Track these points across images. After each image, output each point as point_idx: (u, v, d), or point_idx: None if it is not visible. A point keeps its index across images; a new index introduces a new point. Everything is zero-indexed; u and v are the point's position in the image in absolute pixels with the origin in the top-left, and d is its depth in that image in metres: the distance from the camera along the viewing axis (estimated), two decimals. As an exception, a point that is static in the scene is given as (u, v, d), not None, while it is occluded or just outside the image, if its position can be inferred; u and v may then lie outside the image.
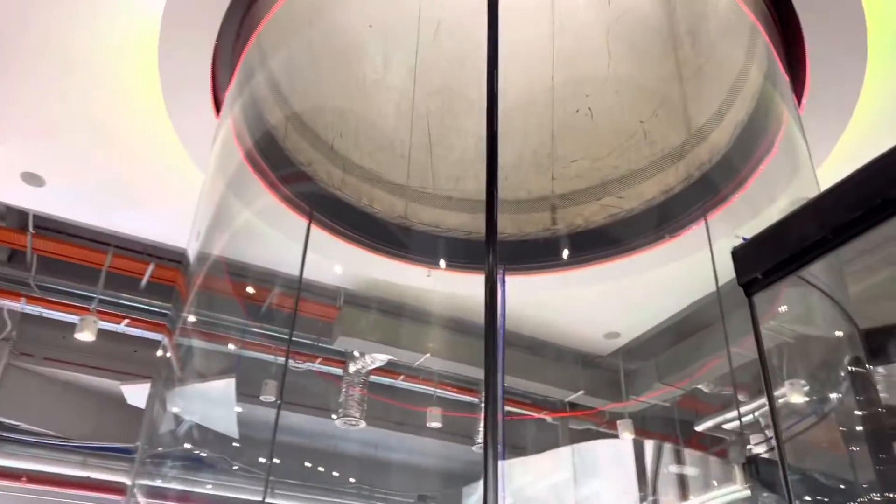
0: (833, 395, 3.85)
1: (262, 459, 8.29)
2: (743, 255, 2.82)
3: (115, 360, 8.39)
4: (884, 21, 4.51)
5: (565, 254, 6.77)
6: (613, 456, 10.17)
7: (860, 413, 3.72)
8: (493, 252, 3.01)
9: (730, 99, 5.82)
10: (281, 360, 7.86)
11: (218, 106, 5.40)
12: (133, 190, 6.52)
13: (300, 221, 6.06)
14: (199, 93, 5.31)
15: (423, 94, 6.62)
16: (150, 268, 7.55)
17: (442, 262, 6.88)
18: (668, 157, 6.45)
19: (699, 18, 6.02)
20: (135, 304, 7.84)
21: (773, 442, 3.05)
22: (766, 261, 2.71)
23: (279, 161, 5.89)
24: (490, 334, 2.91)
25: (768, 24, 4.70)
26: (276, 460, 8.44)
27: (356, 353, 8.23)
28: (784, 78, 4.63)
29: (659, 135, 6.54)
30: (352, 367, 8.33)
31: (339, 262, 7.05)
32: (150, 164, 6.21)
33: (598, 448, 9.94)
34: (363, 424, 8.40)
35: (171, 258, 7.79)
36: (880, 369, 4.26)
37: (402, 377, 9.03)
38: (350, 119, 6.82)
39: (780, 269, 2.69)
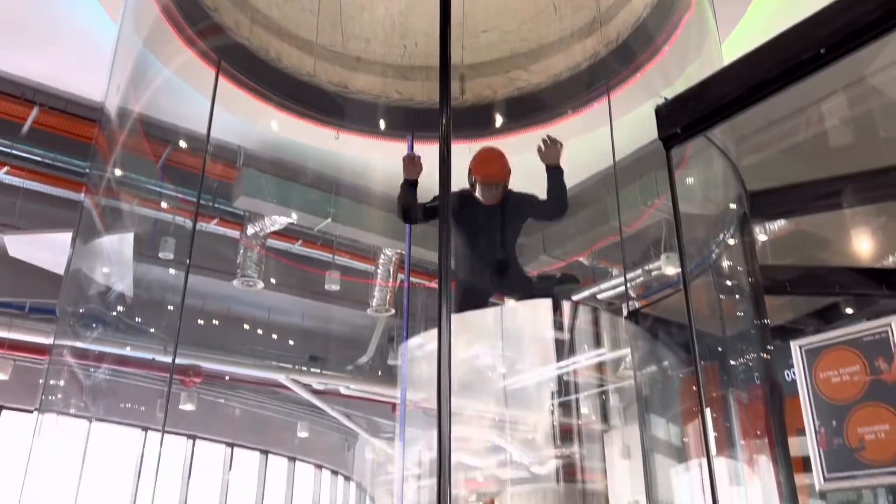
0: (714, 254, 4.36)
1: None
2: (665, 112, 3.11)
3: (-7, 212, 7.89)
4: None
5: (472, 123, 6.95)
6: (495, 323, 10.91)
7: (739, 269, 4.27)
8: (446, 120, 3.07)
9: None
10: (178, 219, 7.71)
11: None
12: (22, 24, 5.99)
13: (210, 73, 5.83)
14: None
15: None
16: (34, 112, 7.04)
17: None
18: (577, 34, 6.67)
19: None
20: (15, 152, 7.33)
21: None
22: (686, 117, 3.03)
23: (190, 11, 5.56)
24: (444, 204, 2.97)
25: None
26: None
27: (255, 215, 8.19)
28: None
29: (569, 10, 6.70)
30: (250, 229, 8.31)
31: (245, 117, 6.87)
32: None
33: (484, 315, 10.59)
34: (261, 285, 8.50)
35: (53, 105, 7.31)
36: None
37: (299, 242, 9.12)
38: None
39: (698, 125, 3.01)
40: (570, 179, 8.69)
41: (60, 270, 8.57)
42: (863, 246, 7.36)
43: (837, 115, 6.12)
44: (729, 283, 4.62)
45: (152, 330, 8.16)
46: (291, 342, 11.67)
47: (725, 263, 4.36)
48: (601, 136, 6.58)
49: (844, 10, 2.45)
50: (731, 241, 4.39)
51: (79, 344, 5.21)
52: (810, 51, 2.59)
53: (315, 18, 6.65)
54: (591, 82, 6.53)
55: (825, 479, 2.84)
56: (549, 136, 4.88)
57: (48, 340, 8.53)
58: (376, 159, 7.72)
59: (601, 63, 6.40)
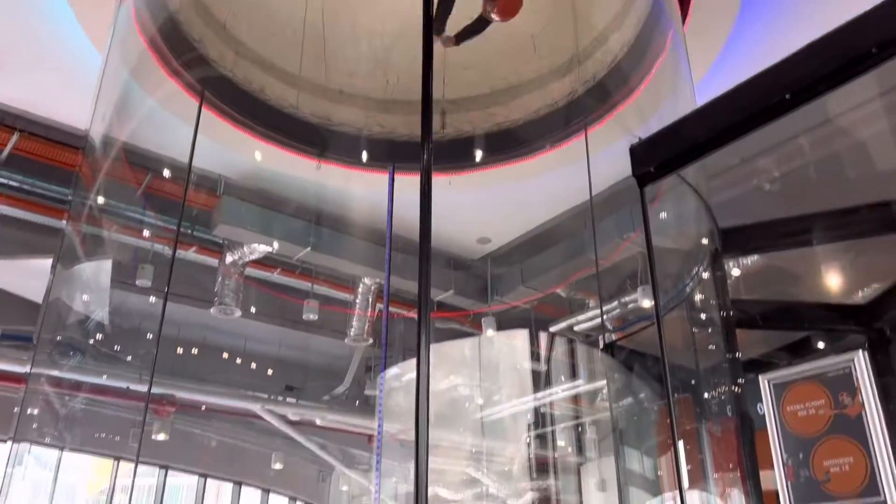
0: (687, 288, 4.47)
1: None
2: (639, 151, 3.24)
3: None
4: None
5: (452, 156, 7.09)
6: (473, 353, 10.97)
7: (712, 303, 4.37)
8: (427, 153, 3.15)
9: (617, 21, 6.25)
10: (158, 247, 7.69)
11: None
12: (4, 50, 6.03)
13: (194, 104, 5.90)
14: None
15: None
16: (14, 138, 7.03)
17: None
18: (555, 72, 6.85)
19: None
20: (-8, 179, 7.29)
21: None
22: (659, 156, 3.15)
23: (176, 43, 5.66)
24: (425, 235, 3.01)
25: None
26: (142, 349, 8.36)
27: (234, 243, 8.18)
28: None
29: (547, 49, 6.88)
30: (229, 258, 8.31)
31: (228, 146, 6.94)
32: (27, 23, 5.76)
33: (462, 346, 10.65)
34: (238, 314, 8.46)
35: (34, 131, 7.31)
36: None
37: (278, 271, 9.11)
38: (244, 1, 6.61)
39: (670, 163, 3.13)
40: (548, 213, 8.91)
41: (36, 297, 8.50)
42: (833, 281, 7.52)
43: (806, 154, 6.31)
44: (702, 316, 4.72)
45: (129, 358, 8.09)
46: (269, 371, 11.59)
47: (699, 297, 4.47)
48: (578, 171, 6.71)
49: (808, 59, 2.59)
50: (705, 276, 4.51)
51: (55, 372, 5.18)
52: (776, 96, 2.73)
53: (299, 52, 6.77)
54: (569, 119, 6.70)
55: (793, 511, 2.92)
56: None
57: (21, 368, 8.40)
58: (358, 189, 7.81)
59: (578, 101, 6.58)
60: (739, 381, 4.28)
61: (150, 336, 6.85)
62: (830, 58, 2.57)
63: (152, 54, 5.45)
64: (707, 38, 5.64)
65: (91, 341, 6.33)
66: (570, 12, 6.54)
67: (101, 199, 5.74)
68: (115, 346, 7.64)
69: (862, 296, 7.02)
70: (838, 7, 4.95)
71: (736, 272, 8.09)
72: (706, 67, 5.91)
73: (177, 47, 5.74)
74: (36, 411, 4.84)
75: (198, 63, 6.04)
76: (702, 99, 3.83)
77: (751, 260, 8.30)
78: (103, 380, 8.33)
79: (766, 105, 2.76)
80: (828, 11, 5.67)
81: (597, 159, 6.49)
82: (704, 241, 4.10)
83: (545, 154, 7.08)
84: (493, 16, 4.90)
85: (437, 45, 6.81)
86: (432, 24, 3.45)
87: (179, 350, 9.93)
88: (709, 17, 5.47)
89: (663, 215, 4.10)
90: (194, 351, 10.29)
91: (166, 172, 7.04)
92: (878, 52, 2.42)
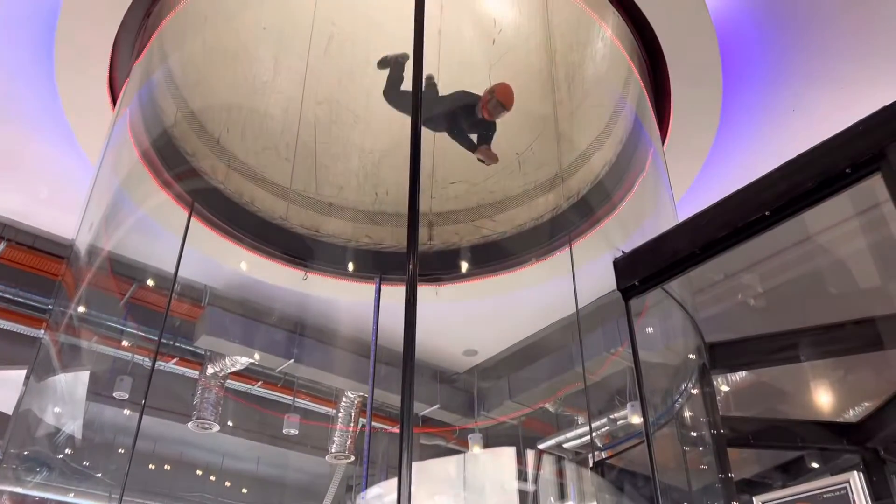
0: (677, 404, 4.39)
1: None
2: (623, 265, 3.25)
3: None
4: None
5: (439, 267, 7.13)
6: (458, 472, 10.59)
7: (702, 420, 4.28)
8: (413, 265, 3.15)
9: (599, 141, 6.47)
10: (138, 358, 7.54)
11: (113, 93, 5.27)
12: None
13: (183, 214, 5.96)
14: (95, 72, 5.16)
15: (311, 103, 6.76)
16: (0, 247, 7.03)
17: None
18: (539, 188, 7.02)
19: (576, 67, 6.63)
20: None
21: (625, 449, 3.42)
22: (643, 270, 3.16)
23: (169, 156, 5.79)
24: (409, 347, 2.96)
25: (642, 72, 5.35)
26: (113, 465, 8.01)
27: (216, 354, 8.05)
28: (652, 121, 5.28)
29: (532, 167, 7.08)
30: (210, 369, 8.13)
31: (214, 257, 6.94)
32: (20, 134, 5.89)
33: (447, 464, 10.30)
34: (217, 428, 8.19)
35: (21, 241, 7.31)
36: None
37: (259, 383, 8.92)
38: (238, 117, 6.82)
39: (654, 277, 3.14)
40: (534, 326, 8.87)
41: (6, 409, 8.21)
42: (823, 399, 7.43)
43: (789, 270, 6.39)
44: (693, 433, 4.61)
45: (99, 475, 7.74)
46: (244, 490, 11.11)
47: (689, 414, 4.38)
48: (564, 283, 6.74)
49: (783, 179, 2.65)
50: (694, 391, 4.44)
51: (19, 489, 4.92)
52: (755, 213, 2.78)
53: (290, 166, 6.92)
54: (553, 233, 6.79)
55: None
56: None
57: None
58: (343, 300, 7.78)
59: (563, 215, 6.70)
60: (733, 502, 4.13)
61: (122, 451, 6.58)
62: (805, 178, 2.63)
63: (144, 166, 5.55)
64: (686, 158, 5.84)
65: (60, 456, 6.05)
66: (554, 133, 6.77)
67: (82, 309, 5.66)
68: (85, 462, 7.33)
69: (853, 414, 6.92)
70: (814, 130, 5.17)
71: (725, 388, 8.00)
72: (687, 185, 6.08)
73: (169, 160, 5.86)
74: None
75: (189, 175, 6.14)
76: (683, 215, 3.89)
77: (739, 376, 8.22)
78: (70, 498, 7.93)
79: (745, 221, 2.80)
80: (802, 135, 5.93)
81: (582, 272, 6.53)
82: (692, 356, 4.06)
83: (531, 266, 7.13)
84: (501, 107, 5.12)
85: (425, 160, 7.02)
86: (419, 139, 3.53)
87: (152, 466, 9.55)
88: (687, 137, 5.68)
89: (650, 329, 4.08)
90: (167, 467, 9.89)
91: (150, 282, 7.01)
92: (851, 172, 2.49)
